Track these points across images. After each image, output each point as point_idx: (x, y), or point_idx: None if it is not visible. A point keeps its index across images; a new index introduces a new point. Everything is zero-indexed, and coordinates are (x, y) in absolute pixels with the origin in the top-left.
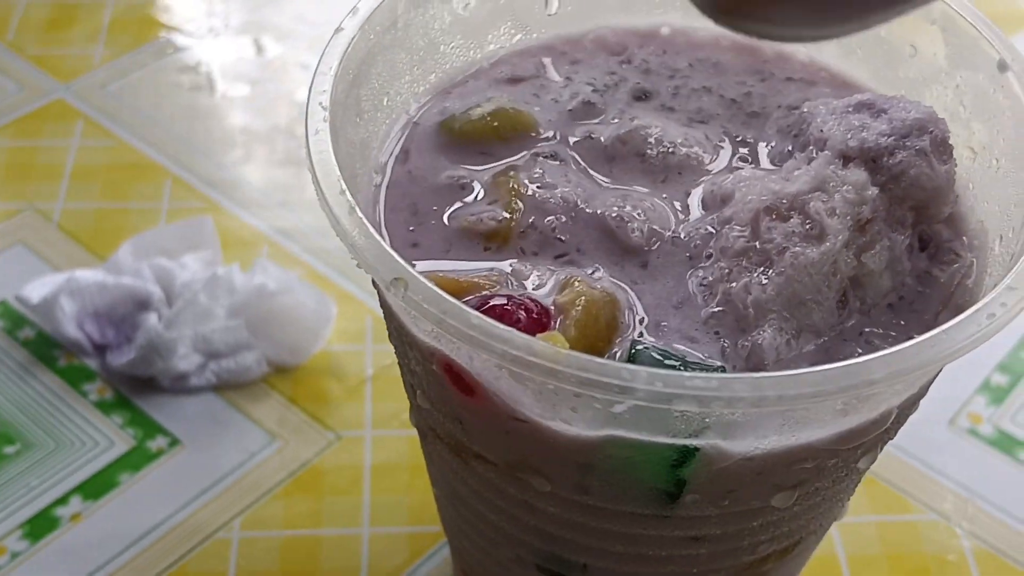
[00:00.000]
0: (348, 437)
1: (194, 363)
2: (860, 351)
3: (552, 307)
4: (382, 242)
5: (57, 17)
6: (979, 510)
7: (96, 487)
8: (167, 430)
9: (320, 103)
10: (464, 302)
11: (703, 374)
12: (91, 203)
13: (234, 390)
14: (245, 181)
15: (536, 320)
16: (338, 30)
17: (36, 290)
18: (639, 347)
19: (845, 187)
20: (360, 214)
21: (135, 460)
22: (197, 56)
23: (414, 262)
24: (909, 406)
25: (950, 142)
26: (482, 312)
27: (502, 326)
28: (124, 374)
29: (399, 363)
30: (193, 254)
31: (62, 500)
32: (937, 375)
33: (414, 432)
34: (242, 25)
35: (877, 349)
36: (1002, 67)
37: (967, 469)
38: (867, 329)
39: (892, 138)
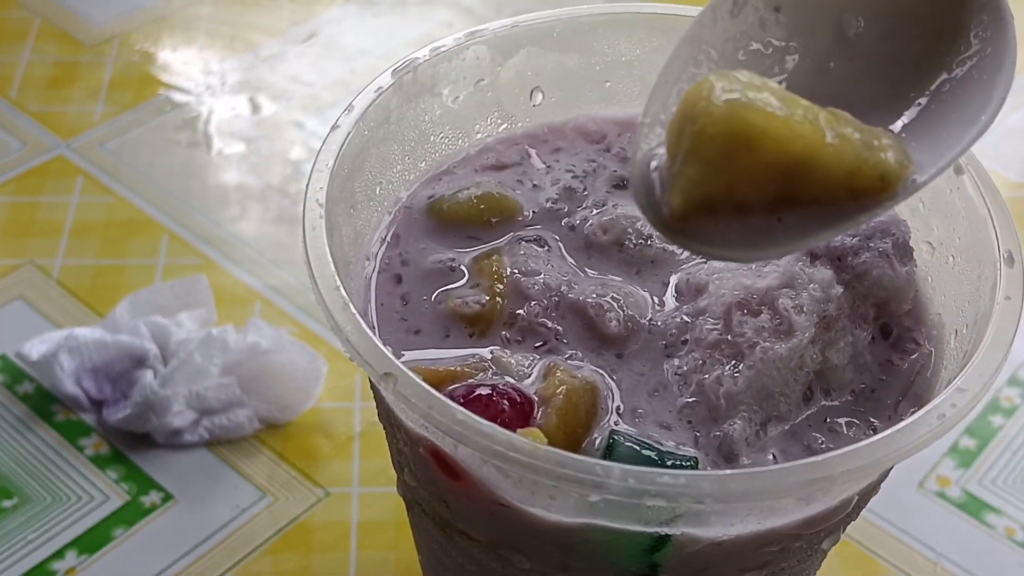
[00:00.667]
0: (336, 494)
1: (188, 419)
2: (823, 438)
3: (535, 396)
4: (373, 337)
5: (59, 74)
6: (947, 572)
7: (91, 541)
8: (160, 485)
9: (317, 200)
10: (451, 389)
11: (672, 471)
12: (90, 259)
13: (226, 446)
14: (239, 238)
15: (520, 409)
16: (334, 127)
17: (36, 347)
18: (616, 436)
19: (812, 285)
20: (353, 310)
21: (129, 515)
22: (194, 114)
23: (406, 352)
24: (869, 492)
25: (911, 244)
26: (468, 401)
27: (485, 422)
28: (120, 429)
29: (387, 441)
30: (188, 312)
31: (58, 554)
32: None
33: None
34: (238, 84)
35: (840, 436)
36: (958, 170)
37: (935, 531)
38: (830, 418)
39: (857, 239)
